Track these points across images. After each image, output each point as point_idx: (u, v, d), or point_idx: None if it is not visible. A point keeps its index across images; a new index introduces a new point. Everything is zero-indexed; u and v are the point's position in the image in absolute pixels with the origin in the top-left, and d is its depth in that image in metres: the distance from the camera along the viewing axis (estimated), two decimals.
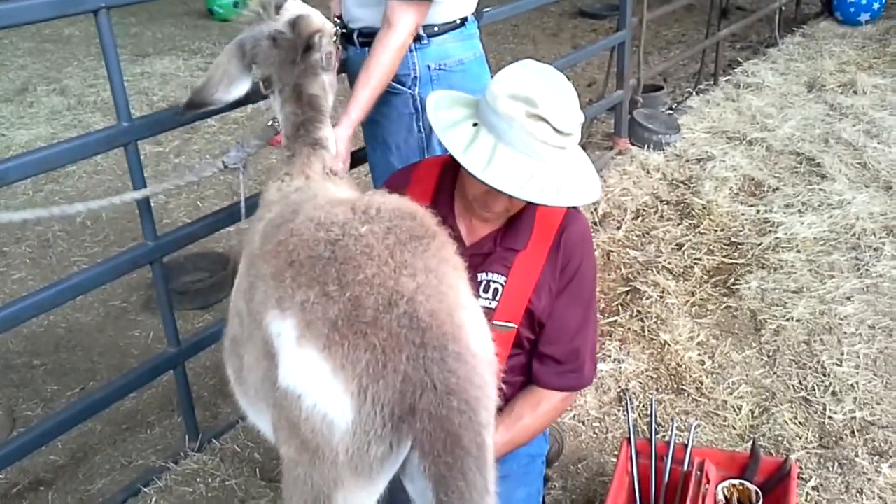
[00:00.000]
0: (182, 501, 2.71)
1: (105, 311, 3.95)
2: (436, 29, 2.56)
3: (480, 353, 1.49)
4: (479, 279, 2.03)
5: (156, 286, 2.76)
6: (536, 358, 2.15)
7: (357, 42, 2.63)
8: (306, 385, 1.43)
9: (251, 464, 2.85)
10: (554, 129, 1.78)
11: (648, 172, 4.91)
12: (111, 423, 3.14)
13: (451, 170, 2.09)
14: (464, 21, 2.64)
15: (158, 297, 2.78)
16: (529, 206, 2.04)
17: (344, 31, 2.67)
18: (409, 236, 1.54)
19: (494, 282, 2.07)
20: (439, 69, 2.59)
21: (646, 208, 4.51)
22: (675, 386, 3.13)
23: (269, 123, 2.29)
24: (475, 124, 1.88)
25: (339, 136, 2.26)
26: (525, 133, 1.78)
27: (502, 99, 1.80)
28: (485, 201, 1.96)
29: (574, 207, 2.10)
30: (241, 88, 2.20)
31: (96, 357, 3.60)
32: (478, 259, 2.01)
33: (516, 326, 2.09)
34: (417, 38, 2.53)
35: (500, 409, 2.11)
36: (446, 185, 2.08)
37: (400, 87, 2.58)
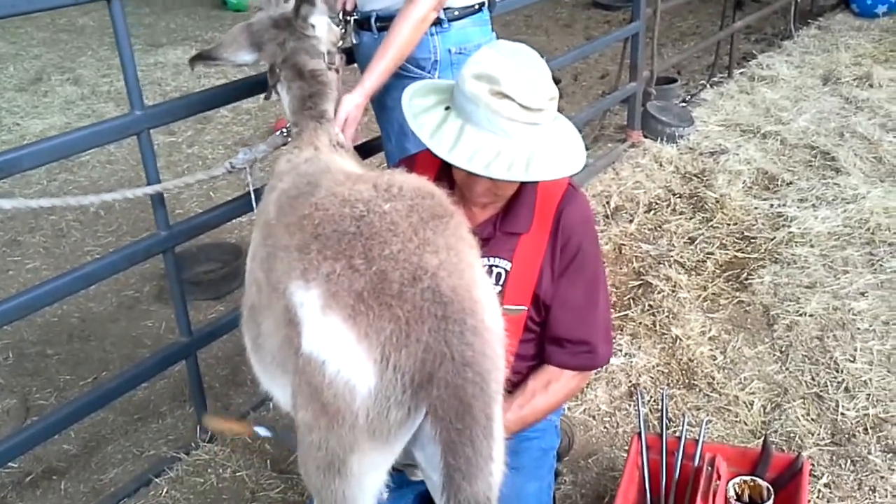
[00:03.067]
0: (193, 492, 2.73)
1: (118, 301, 3.96)
2: (456, 13, 2.58)
3: (494, 328, 1.56)
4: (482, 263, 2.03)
5: (168, 276, 2.78)
6: (548, 340, 2.15)
7: (374, 27, 2.63)
8: (330, 352, 1.49)
9: (262, 455, 2.86)
10: (520, 105, 1.78)
11: (661, 165, 4.89)
12: (124, 413, 3.16)
13: None
14: (482, 6, 2.65)
15: (171, 287, 2.79)
16: (528, 190, 2.06)
17: (356, 17, 2.67)
18: (430, 215, 1.60)
19: (498, 266, 2.07)
20: (459, 53, 2.59)
21: (658, 201, 4.49)
22: (687, 381, 3.12)
23: (279, 133, 2.40)
24: (447, 108, 1.90)
25: (347, 101, 2.30)
26: (490, 112, 1.79)
27: (468, 80, 1.82)
28: (468, 185, 1.98)
29: (572, 187, 2.11)
30: (245, 57, 2.33)
31: (109, 347, 3.62)
32: (479, 244, 2.01)
33: (526, 308, 2.10)
34: (438, 23, 2.54)
35: (512, 391, 2.14)
36: (446, 173, 2.09)
37: (420, 71, 2.58)
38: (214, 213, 2.80)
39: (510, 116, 1.79)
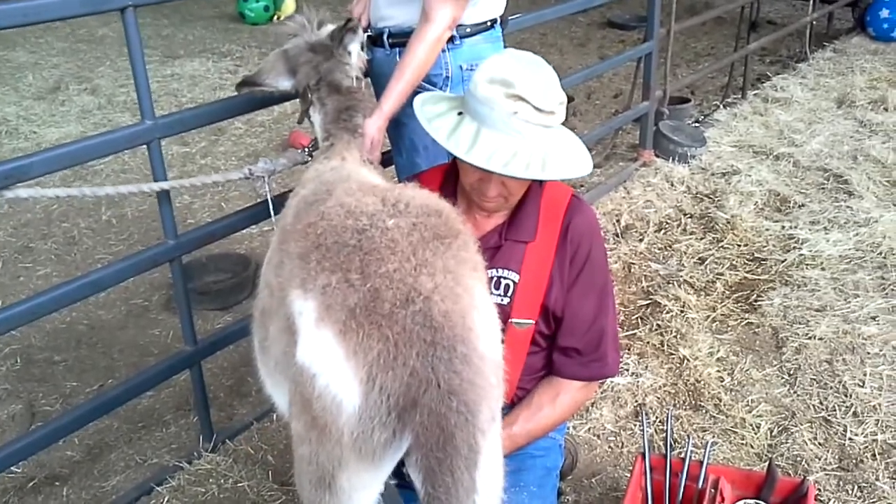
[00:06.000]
0: (194, 501, 2.71)
1: (127, 309, 3.98)
2: (468, 30, 2.60)
3: (488, 355, 1.53)
4: (489, 275, 2.03)
5: (174, 285, 2.78)
6: (558, 351, 2.16)
7: (386, 43, 2.64)
8: (320, 365, 1.49)
9: (264, 466, 2.85)
10: (534, 107, 1.83)
11: (672, 185, 4.87)
12: (128, 421, 3.16)
13: (453, 175, 2.14)
14: (493, 23, 2.67)
15: (177, 296, 2.80)
16: (532, 198, 2.09)
17: (370, 33, 2.69)
18: (432, 234, 1.59)
19: (506, 278, 2.08)
20: (471, 69, 2.59)
21: (669, 221, 4.47)
22: (693, 402, 3.09)
23: (301, 151, 2.46)
24: (460, 113, 1.95)
25: (369, 126, 2.33)
26: (505, 113, 1.84)
27: (481, 84, 1.87)
28: (479, 189, 2.00)
29: (576, 198, 2.14)
30: (285, 83, 2.38)
31: (116, 355, 3.63)
32: (486, 254, 2.02)
33: (534, 322, 2.10)
34: (450, 39, 2.55)
35: (519, 401, 2.14)
36: (449, 189, 2.11)
37: (432, 87, 2.59)
38: (222, 223, 2.81)
39: (525, 118, 1.84)
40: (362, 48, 2.63)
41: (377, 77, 2.71)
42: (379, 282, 1.49)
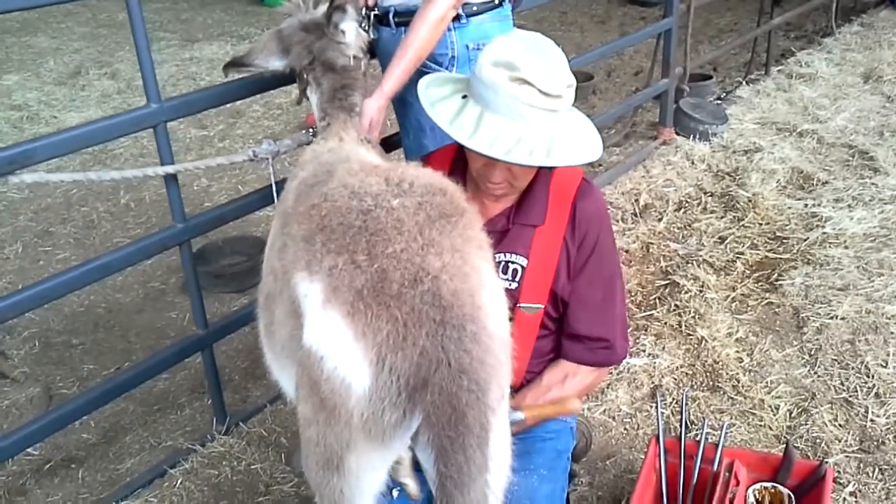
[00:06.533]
0: (207, 484, 2.73)
1: (144, 292, 4.00)
2: (474, 8, 2.54)
3: (497, 333, 1.51)
4: (497, 259, 2.00)
5: (184, 268, 2.78)
6: (566, 336, 2.12)
7: (392, 22, 2.60)
8: (328, 348, 1.47)
9: (277, 448, 2.86)
10: (539, 91, 1.77)
11: (693, 163, 4.79)
12: (143, 404, 3.18)
13: (462, 156, 2.08)
14: (502, 1, 2.61)
15: (187, 279, 2.80)
16: (540, 183, 2.03)
17: (376, 12, 2.65)
18: (438, 213, 1.57)
19: (514, 262, 2.04)
20: (478, 49, 2.55)
21: (689, 200, 4.39)
22: (711, 383, 3.04)
23: (306, 132, 2.44)
24: (464, 97, 1.90)
25: (368, 105, 2.29)
26: (509, 97, 1.78)
27: (486, 67, 1.81)
28: (485, 174, 1.95)
29: (586, 181, 2.08)
30: (276, 63, 2.35)
31: (133, 338, 3.65)
32: (494, 238, 1.99)
33: (543, 307, 2.06)
34: (456, 18, 2.50)
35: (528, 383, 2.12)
36: (458, 170, 2.07)
37: (437, 67, 2.55)
38: (230, 206, 2.80)
39: (530, 102, 1.78)
40: (366, 28, 2.60)
41: (383, 56, 2.67)
42: (386, 262, 1.47)
